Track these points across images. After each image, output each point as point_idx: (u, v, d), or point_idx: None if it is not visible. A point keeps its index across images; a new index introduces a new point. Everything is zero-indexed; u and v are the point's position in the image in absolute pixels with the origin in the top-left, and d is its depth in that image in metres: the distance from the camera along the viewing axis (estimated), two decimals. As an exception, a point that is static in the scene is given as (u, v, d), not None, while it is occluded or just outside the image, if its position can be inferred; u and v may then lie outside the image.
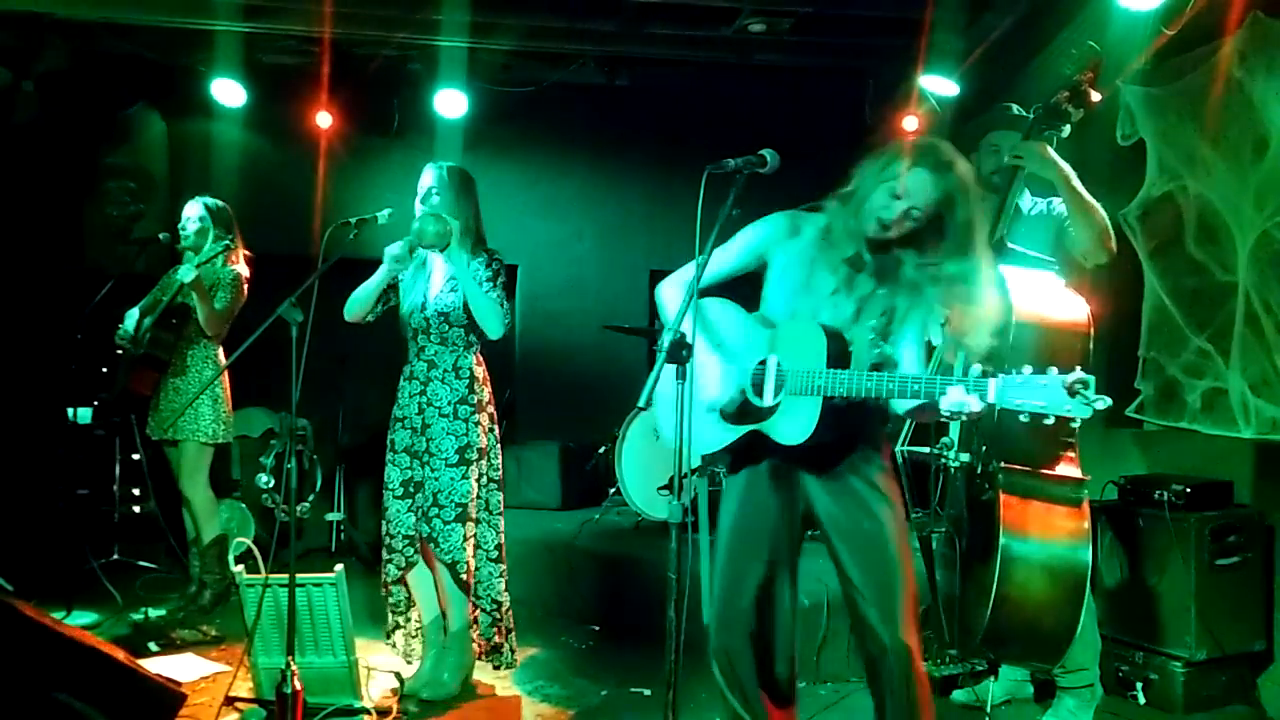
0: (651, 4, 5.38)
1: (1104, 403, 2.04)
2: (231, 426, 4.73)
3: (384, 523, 3.65)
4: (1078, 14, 4.46)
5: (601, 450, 5.79)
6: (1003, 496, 2.79)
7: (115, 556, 5.28)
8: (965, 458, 3.12)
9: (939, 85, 5.28)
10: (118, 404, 4.88)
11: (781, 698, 2.64)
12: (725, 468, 2.68)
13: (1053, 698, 3.37)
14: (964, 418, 2.22)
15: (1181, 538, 3.50)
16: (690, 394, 2.20)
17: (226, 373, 4.61)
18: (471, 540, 3.59)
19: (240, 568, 3.33)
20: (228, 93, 5.97)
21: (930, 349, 2.52)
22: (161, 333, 4.53)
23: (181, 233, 4.65)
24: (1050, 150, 3.00)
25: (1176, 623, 3.52)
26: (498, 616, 3.69)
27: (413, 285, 3.69)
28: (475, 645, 3.71)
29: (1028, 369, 2.11)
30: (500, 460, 3.77)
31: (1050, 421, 2.08)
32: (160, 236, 4.82)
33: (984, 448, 2.97)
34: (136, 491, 5.62)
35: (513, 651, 3.75)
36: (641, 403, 2.13)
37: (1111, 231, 3.05)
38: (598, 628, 4.66)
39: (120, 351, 4.65)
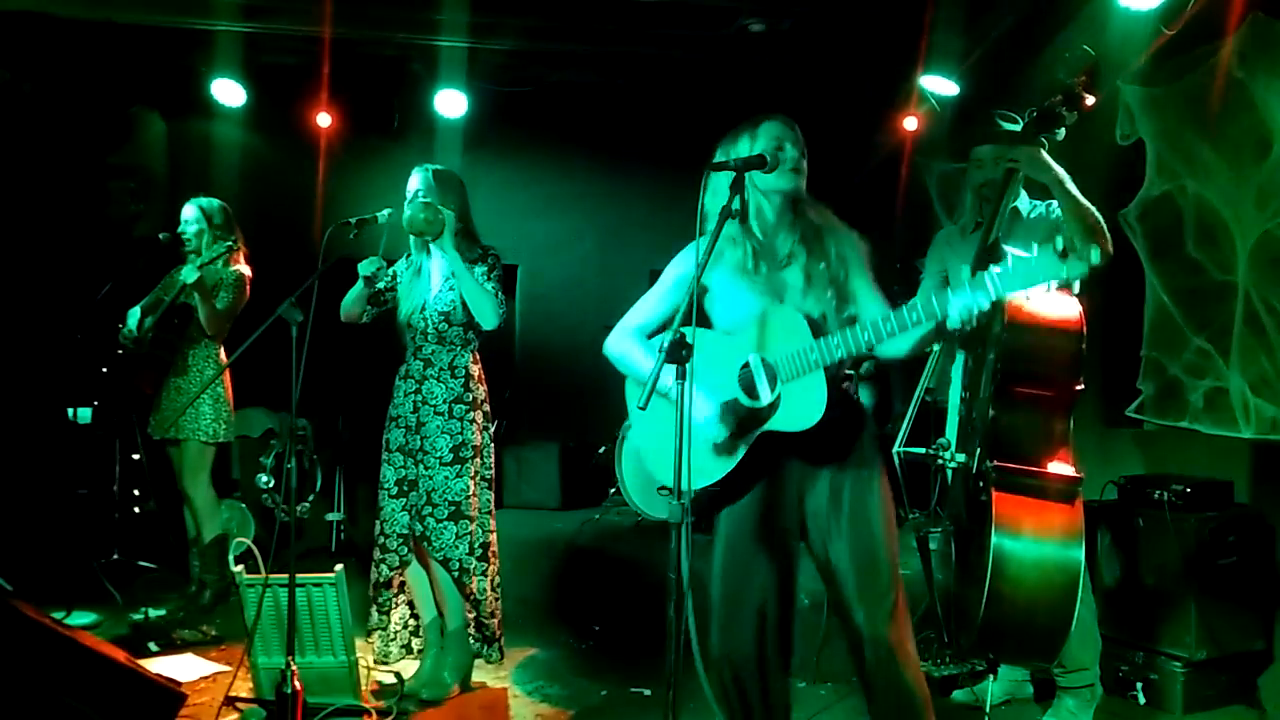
0: (651, 4, 5.38)
1: (1095, 255, 2.13)
2: (233, 426, 4.73)
3: (378, 522, 3.65)
4: (1077, 14, 4.47)
5: (602, 450, 5.80)
6: (995, 494, 2.79)
7: (115, 556, 5.28)
8: (961, 458, 3.12)
9: (939, 85, 5.28)
10: (119, 403, 4.88)
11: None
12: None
13: (1053, 698, 3.36)
14: (972, 323, 2.25)
15: (1181, 538, 3.50)
16: (690, 395, 2.20)
17: (228, 372, 4.61)
18: (465, 538, 3.60)
19: (240, 568, 3.33)
20: (228, 93, 5.98)
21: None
22: (164, 333, 4.53)
23: (182, 233, 4.66)
24: (1044, 154, 3.00)
25: (1176, 623, 3.51)
26: (483, 614, 3.69)
27: (411, 290, 3.71)
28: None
29: (1015, 252, 2.18)
30: (493, 460, 3.77)
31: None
32: (160, 236, 4.81)
33: (978, 449, 2.97)
34: (136, 491, 5.62)
35: (500, 650, 3.76)
36: (641, 403, 2.13)
37: (1108, 235, 3.05)
38: (598, 628, 4.66)
39: (122, 350, 4.65)
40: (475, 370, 3.70)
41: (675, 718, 2.20)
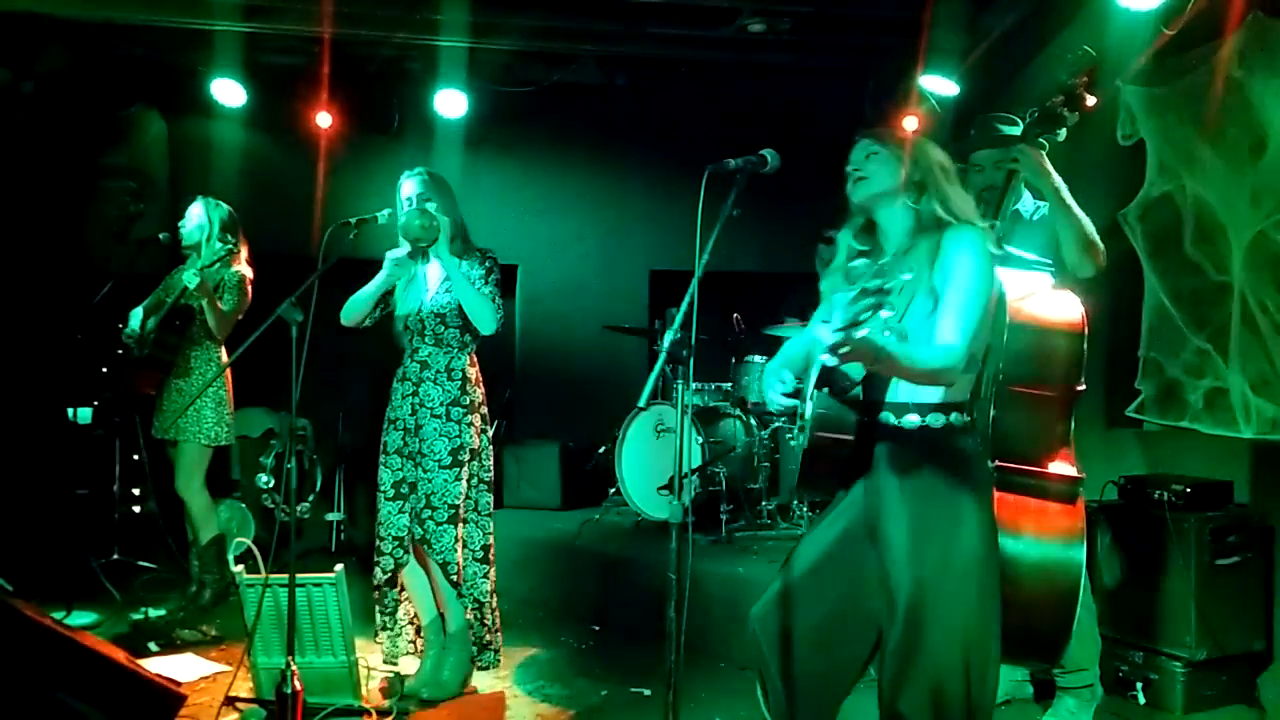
0: (651, 4, 5.38)
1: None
2: (233, 428, 4.73)
3: (376, 525, 3.65)
4: (1078, 14, 4.46)
5: (602, 450, 5.80)
6: (996, 494, 2.79)
7: (115, 556, 5.28)
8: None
9: (939, 85, 5.27)
10: (121, 403, 4.88)
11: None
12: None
13: (1053, 698, 3.37)
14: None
15: (1181, 538, 3.50)
16: (689, 395, 2.20)
17: (229, 373, 4.61)
18: (460, 541, 3.59)
19: (240, 568, 3.33)
20: (228, 93, 5.97)
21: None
22: (166, 334, 4.53)
23: (181, 228, 4.66)
24: (1044, 159, 3.00)
25: (1176, 623, 3.51)
26: (481, 616, 3.69)
27: (408, 290, 3.70)
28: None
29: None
30: (491, 462, 3.77)
31: None
32: (160, 236, 4.82)
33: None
34: (136, 491, 5.62)
35: (497, 652, 3.76)
36: (641, 403, 2.13)
37: (1100, 246, 3.05)
38: (598, 628, 4.66)
39: (123, 351, 4.65)
40: (473, 373, 3.70)
41: (675, 718, 2.20)
